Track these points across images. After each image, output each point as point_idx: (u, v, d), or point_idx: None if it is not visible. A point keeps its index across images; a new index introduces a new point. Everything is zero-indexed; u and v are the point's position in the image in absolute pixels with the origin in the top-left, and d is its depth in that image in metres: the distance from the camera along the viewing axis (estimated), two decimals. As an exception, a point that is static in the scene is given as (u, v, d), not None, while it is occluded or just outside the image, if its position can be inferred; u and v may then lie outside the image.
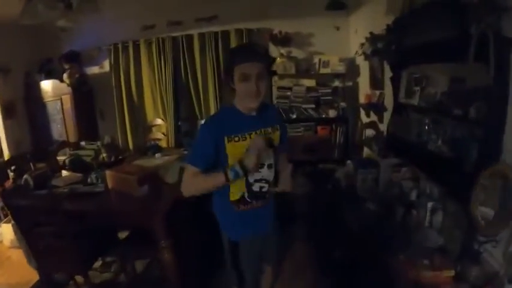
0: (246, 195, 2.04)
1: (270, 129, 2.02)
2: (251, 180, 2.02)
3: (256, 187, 2.05)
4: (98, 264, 3.54)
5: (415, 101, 2.82)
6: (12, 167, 4.01)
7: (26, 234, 2.97)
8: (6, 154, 5.35)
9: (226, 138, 1.88)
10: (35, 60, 5.63)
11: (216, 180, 1.88)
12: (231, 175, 1.84)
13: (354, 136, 4.96)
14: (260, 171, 2.01)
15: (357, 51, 4.10)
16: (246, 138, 1.92)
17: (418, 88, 2.79)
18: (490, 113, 1.90)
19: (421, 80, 2.75)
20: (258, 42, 5.08)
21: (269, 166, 2.04)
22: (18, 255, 3.78)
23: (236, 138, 1.90)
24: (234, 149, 1.90)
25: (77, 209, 2.89)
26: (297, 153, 4.70)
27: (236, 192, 2.03)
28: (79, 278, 3.15)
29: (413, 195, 2.71)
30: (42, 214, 2.79)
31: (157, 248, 2.70)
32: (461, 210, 2.14)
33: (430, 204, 2.46)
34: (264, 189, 2.08)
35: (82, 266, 2.95)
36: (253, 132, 1.94)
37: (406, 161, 3.05)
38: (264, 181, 2.06)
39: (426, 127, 2.65)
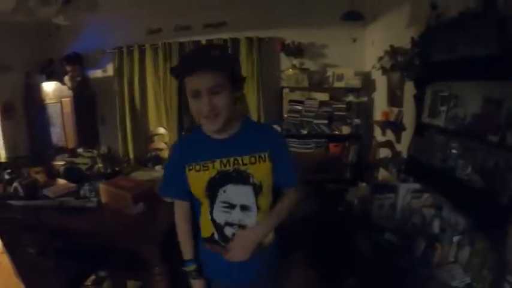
0: (216, 236, 1.63)
1: (247, 159, 1.55)
2: (220, 221, 1.61)
3: (228, 231, 1.62)
4: (89, 278, 3.26)
5: (440, 121, 2.59)
6: (8, 171, 3.83)
7: (10, 249, 2.78)
8: (2, 156, 5.24)
9: (187, 167, 1.58)
10: (37, 61, 5.49)
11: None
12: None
13: (367, 155, 4.69)
14: (229, 212, 1.59)
15: (374, 65, 3.87)
16: (207, 167, 1.55)
17: (444, 108, 2.55)
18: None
19: (449, 99, 2.51)
20: (268, 51, 4.96)
21: (242, 207, 1.59)
22: (9, 262, 3.56)
23: (197, 167, 1.56)
24: (194, 179, 1.58)
25: (65, 225, 2.65)
26: (307, 171, 4.46)
27: (206, 227, 1.66)
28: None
29: (435, 225, 2.45)
30: (26, 229, 2.59)
31: (150, 273, 2.46)
32: (491, 248, 1.91)
33: (456, 239, 2.20)
34: None
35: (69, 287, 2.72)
36: (218, 161, 1.55)
37: (428, 187, 2.79)
38: (236, 226, 1.61)
39: (453, 152, 2.40)
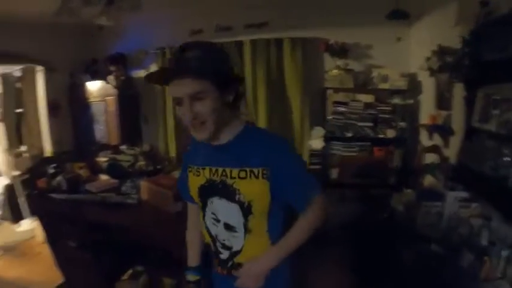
0: (212, 246, 1.54)
1: (236, 172, 1.36)
2: (212, 232, 1.50)
3: (218, 245, 1.50)
4: (126, 273, 3.35)
5: (492, 126, 2.44)
6: (53, 165, 3.93)
7: (51, 240, 2.85)
8: (48, 151, 5.45)
9: (188, 168, 1.52)
10: (81, 61, 5.64)
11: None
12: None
13: (413, 160, 4.54)
14: (217, 226, 1.47)
15: (420, 66, 3.74)
16: (199, 173, 1.46)
17: (497, 112, 2.40)
18: None
19: (501, 103, 2.36)
20: (311, 51, 4.85)
21: (227, 226, 1.44)
22: (49, 252, 3.67)
23: (193, 170, 1.48)
24: (190, 183, 1.51)
25: (105, 220, 2.69)
26: (350, 175, 4.37)
27: (205, 235, 1.56)
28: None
29: (484, 237, 2.31)
30: (67, 222, 2.65)
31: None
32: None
33: (505, 253, 2.06)
34: (222, 256, 1.50)
35: (106, 281, 2.78)
36: (208, 169, 1.43)
37: (477, 196, 2.64)
38: (220, 244, 1.49)
39: (505, 159, 2.26)
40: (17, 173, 4.90)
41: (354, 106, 4.57)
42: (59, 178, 3.26)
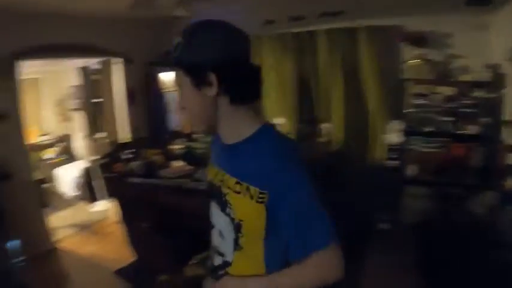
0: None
1: (232, 183, 1.19)
2: (213, 231, 1.39)
3: (213, 249, 1.41)
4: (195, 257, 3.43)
5: None
6: (131, 150, 4.08)
7: (126, 221, 2.96)
8: (125, 138, 5.71)
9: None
10: (156, 52, 5.81)
11: None
12: None
13: (495, 160, 4.23)
14: (212, 228, 1.38)
15: (505, 56, 3.56)
16: (209, 170, 1.40)
17: None
18: None
19: None
20: (388, 41, 4.65)
21: (220, 234, 1.31)
22: (122, 232, 3.94)
23: (209, 164, 1.41)
24: (208, 175, 1.42)
25: (179, 205, 2.76)
26: (427, 172, 4.22)
27: None
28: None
29: None
30: (142, 205, 2.75)
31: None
32: None
33: None
34: (215, 263, 1.38)
35: (175, 263, 2.84)
36: (214, 167, 1.34)
37: None
38: (215, 250, 1.38)
39: None
40: (95, 157, 5.15)
41: (434, 99, 4.35)
42: (135, 163, 3.38)
